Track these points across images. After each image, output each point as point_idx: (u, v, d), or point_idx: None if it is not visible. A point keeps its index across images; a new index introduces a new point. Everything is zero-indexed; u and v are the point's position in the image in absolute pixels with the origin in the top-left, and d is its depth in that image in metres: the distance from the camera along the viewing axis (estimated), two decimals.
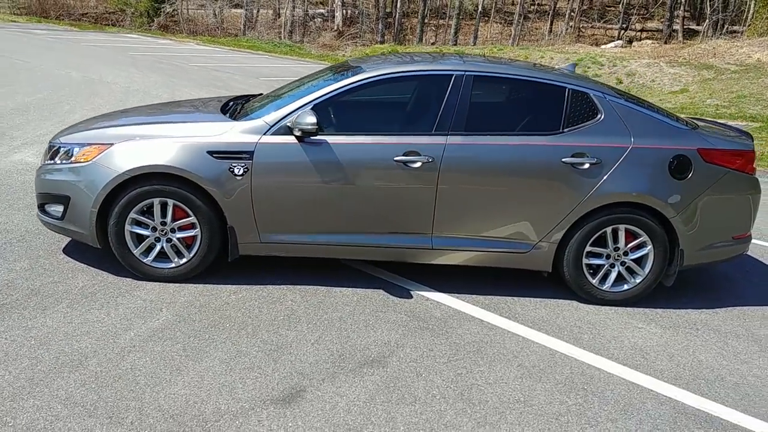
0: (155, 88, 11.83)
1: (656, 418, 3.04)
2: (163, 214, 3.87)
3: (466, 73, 4.01)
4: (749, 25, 26.63)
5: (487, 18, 36.21)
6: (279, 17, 32.45)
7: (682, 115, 4.90)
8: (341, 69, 4.45)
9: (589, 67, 20.48)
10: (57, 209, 3.95)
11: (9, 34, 20.82)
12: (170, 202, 3.83)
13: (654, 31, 33.83)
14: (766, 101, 15.10)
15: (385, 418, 2.84)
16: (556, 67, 5.07)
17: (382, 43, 29.65)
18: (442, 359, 3.38)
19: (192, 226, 3.89)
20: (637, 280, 4.16)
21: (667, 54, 23.21)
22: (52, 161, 4.01)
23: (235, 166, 3.78)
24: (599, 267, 4.15)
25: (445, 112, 3.94)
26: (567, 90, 4.03)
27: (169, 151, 3.77)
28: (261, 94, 4.89)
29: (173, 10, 29.35)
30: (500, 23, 36.43)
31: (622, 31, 33.48)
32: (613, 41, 30.04)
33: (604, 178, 3.93)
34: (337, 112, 4.07)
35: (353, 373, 3.18)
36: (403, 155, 3.85)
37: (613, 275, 4.16)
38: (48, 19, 28.63)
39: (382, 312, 3.84)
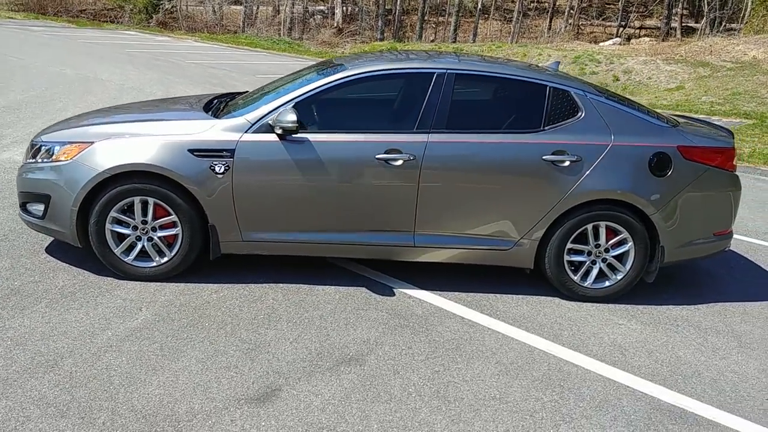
0: (150, 86, 11.83)
1: (631, 414, 3.05)
2: (144, 213, 3.87)
3: (448, 71, 4.02)
4: (746, 23, 26.58)
5: (486, 15, 36.18)
6: (278, 14, 32.42)
7: (664, 112, 4.90)
8: (324, 67, 4.45)
9: (586, 65, 20.48)
10: (38, 208, 3.96)
11: (5, 31, 20.82)
12: (151, 200, 3.83)
13: (653, 28, 33.76)
14: (761, 98, 15.08)
15: (360, 417, 2.85)
16: (540, 64, 5.06)
17: (381, 40, 29.63)
18: (420, 357, 3.39)
19: (173, 224, 3.90)
20: (619, 277, 4.17)
21: (664, 51, 23.18)
22: (34, 160, 4.02)
23: (216, 164, 3.79)
24: (581, 264, 4.16)
25: (427, 110, 3.94)
26: (548, 88, 4.04)
27: (150, 150, 3.77)
28: (246, 92, 4.89)
29: (172, 6, 29.36)
30: (500, 20, 36.37)
31: (621, 29, 33.42)
32: (612, 39, 29.98)
33: (585, 175, 3.94)
34: (319, 110, 4.07)
35: (330, 371, 3.18)
36: (385, 153, 3.86)
37: (595, 272, 4.16)
38: (46, 15, 28.63)
39: (364, 310, 3.85)
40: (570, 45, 26.60)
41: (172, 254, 3.95)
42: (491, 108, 4.35)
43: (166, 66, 15.30)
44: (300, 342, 3.43)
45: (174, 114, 4.40)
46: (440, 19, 36.30)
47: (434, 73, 4.00)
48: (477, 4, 34.01)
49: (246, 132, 3.84)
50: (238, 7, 30.55)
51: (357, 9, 33.77)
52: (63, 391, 2.85)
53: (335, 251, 4.11)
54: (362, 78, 3.99)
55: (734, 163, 4.27)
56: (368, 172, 3.87)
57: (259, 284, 4.07)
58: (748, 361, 3.64)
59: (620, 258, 4.15)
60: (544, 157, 3.92)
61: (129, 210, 3.87)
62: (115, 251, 3.91)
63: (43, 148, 3.99)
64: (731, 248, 5.43)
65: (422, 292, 4.14)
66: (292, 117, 3.69)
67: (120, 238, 3.93)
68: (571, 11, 34.63)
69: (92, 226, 3.84)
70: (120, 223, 3.89)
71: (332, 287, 4.11)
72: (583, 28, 34.78)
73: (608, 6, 37.91)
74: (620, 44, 27.93)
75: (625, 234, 4.08)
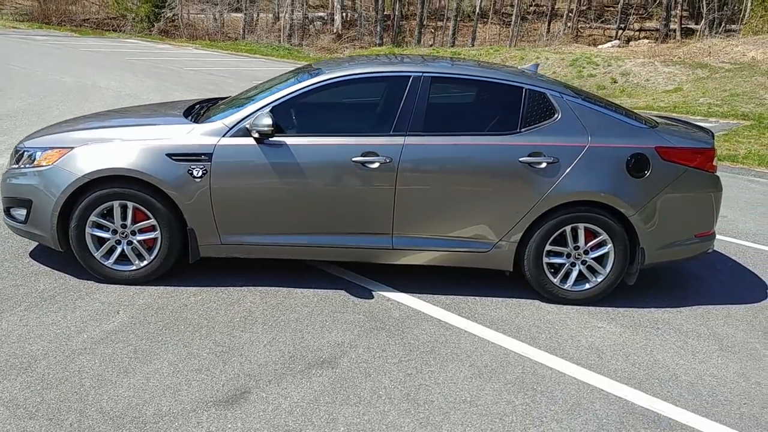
0: (147, 93, 11.90)
1: (603, 417, 3.04)
2: (124, 217, 3.90)
3: (424, 74, 4.03)
4: (745, 24, 26.55)
5: (485, 19, 36.27)
6: (278, 21, 32.56)
7: (650, 114, 4.90)
8: (302, 71, 4.47)
9: (584, 67, 20.48)
10: (21, 213, 3.99)
11: (8, 41, 20.99)
12: (130, 204, 3.86)
13: (652, 30, 33.76)
14: (759, 99, 15.05)
15: (327, 420, 2.85)
16: (519, 67, 5.07)
17: (380, 45, 29.72)
18: (394, 360, 3.39)
19: (152, 228, 3.92)
20: (599, 279, 4.16)
21: (663, 53, 23.17)
22: (17, 165, 4.05)
23: (193, 169, 3.81)
24: (560, 266, 4.16)
25: (403, 113, 3.96)
26: (524, 90, 4.05)
27: (128, 154, 3.80)
28: (227, 98, 4.92)
29: (173, 15, 29.53)
30: (498, 24, 36.45)
31: (620, 31, 33.42)
32: (611, 41, 29.99)
33: (562, 177, 3.94)
34: (296, 114, 4.09)
35: (301, 374, 3.19)
36: (361, 156, 3.87)
37: (574, 274, 4.16)
38: (50, 25, 28.85)
39: (341, 313, 3.86)
40: (568, 48, 26.62)
41: (152, 258, 3.97)
42: (468, 110, 4.37)
43: (164, 74, 15.39)
44: (274, 345, 3.44)
45: (153, 119, 4.43)
46: (439, 23, 36.40)
47: (410, 76, 4.02)
48: (475, 8, 34.08)
49: (224, 136, 3.87)
50: (239, 15, 30.70)
51: (356, 15, 33.88)
52: (34, 393, 2.87)
53: (314, 254, 4.12)
54: (338, 82, 4.01)
55: (714, 163, 4.26)
56: (345, 174, 3.89)
57: (238, 287, 4.09)
58: (727, 365, 3.62)
59: (600, 260, 4.15)
60: (520, 159, 3.93)
61: (109, 214, 3.90)
62: (96, 255, 3.94)
63: (25, 153, 4.03)
64: (719, 250, 5.43)
65: (401, 294, 4.14)
66: (267, 121, 3.72)
67: (100, 241, 3.95)
68: (570, 14, 34.66)
69: (72, 230, 3.87)
70: (100, 227, 3.92)
71: (311, 290, 4.12)
72: (582, 31, 34.81)
73: (607, 9, 37.94)
74: (619, 46, 27.93)
75: (604, 236, 4.07)
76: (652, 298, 4.42)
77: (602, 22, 36.05)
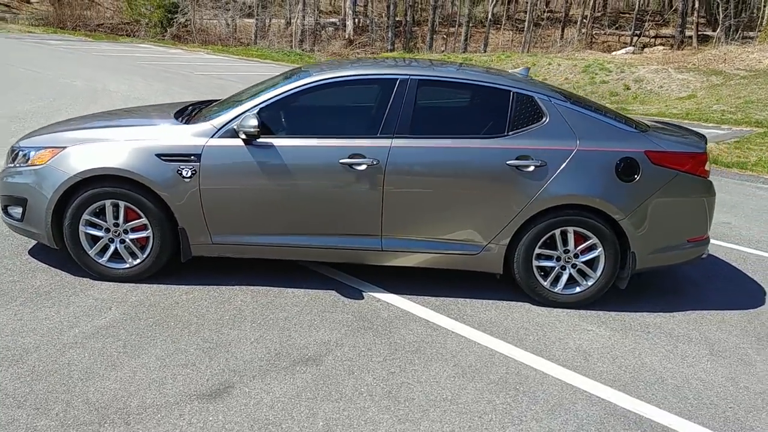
0: (155, 96, 12.04)
1: (583, 418, 3.05)
2: (116, 216, 3.97)
3: (411, 77, 4.07)
4: (762, 31, 26.35)
5: (498, 26, 36.27)
6: (290, 26, 32.80)
7: (642, 119, 4.90)
8: (292, 73, 4.53)
9: (596, 74, 20.41)
10: (17, 211, 4.08)
11: (24, 45, 21.32)
12: (122, 203, 3.93)
13: (668, 37, 33.57)
14: None
15: (307, 414, 2.89)
16: (510, 71, 5.10)
17: (391, 50, 29.83)
18: (378, 358, 3.42)
19: (144, 227, 3.99)
20: (589, 283, 4.16)
21: (677, 60, 23.08)
22: (13, 164, 4.14)
23: (183, 169, 3.87)
24: (550, 269, 4.16)
25: (390, 115, 4.00)
26: (511, 93, 4.07)
27: (119, 154, 3.87)
28: (220, 100, 4.98)
29: (186, 20, 29.83)
30: (511, 30, 36.44)
31: (635, 38, 33.28)
32: (626, 48, 29.87)
33: (550, 180, 3.95)
34: (284, 115, 4.15)
35: (285, 370, 3.23)
36: (348, 158, 3.91)
37: (565, 277, 4.16)
38: (65, 30, 29.26)
39: (330, 312, 3.89)
40: (581, 54, 26.58)
41: (144, 256, 4.03)
42: (455, 113, 4.40)
43: (174, 78, 15.57)
44: (261, 342, 3.49)
45: (145, 120, 4.50)
46: (451, 29, 36.46)
47: (397, 79, 4.06)
48: (487, 14, 34.11)
49: (212, 137, 3.93)
50: (251, 20, 30.97)
51: (368, 21, 34.04)
52: (23, 384, 2.94)
53: (304, 255, 4.16)
54: (326, 84, 4.06)
55: (706, 168, 4.25)
56: (332, 176, 3.93)
57: (230, 286, 4.14)
58: (716, 369, 3.60)
59: (590, 264, 4.15)
60: (507, 162, 3.95)
61: (101, 213, 3.98)
62: (90, 253, 4.01)
63: (20, 153, 4.12)
64: (720, 256, 5.41)
65: (391, 295, 4.17)
66: (253, 122, 3.78)
67: (94, 239, 4.03)
68: (584, 21, 34.57)
69: (66, 228, 3.95)
70: (93, 225, 3.99)
71: (302, 290, 4.16)
72: (596, 37, 34.70)
73: (622, 15, 37.81)
74: (633, 53, 27.83)
75: (594, 240, 4.08)
76: (645, 302, 4.41)
77: (617, 28, 35.91)
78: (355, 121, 4.44)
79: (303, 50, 28.23)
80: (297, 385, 3.11)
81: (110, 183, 3.88)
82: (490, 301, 4.22)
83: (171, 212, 3.94)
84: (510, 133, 4.00)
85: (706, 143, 4.37)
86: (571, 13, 36.50)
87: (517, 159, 3.94)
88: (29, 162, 4.01)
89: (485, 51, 30.74)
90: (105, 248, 4.05)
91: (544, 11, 37.63)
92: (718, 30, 30.33)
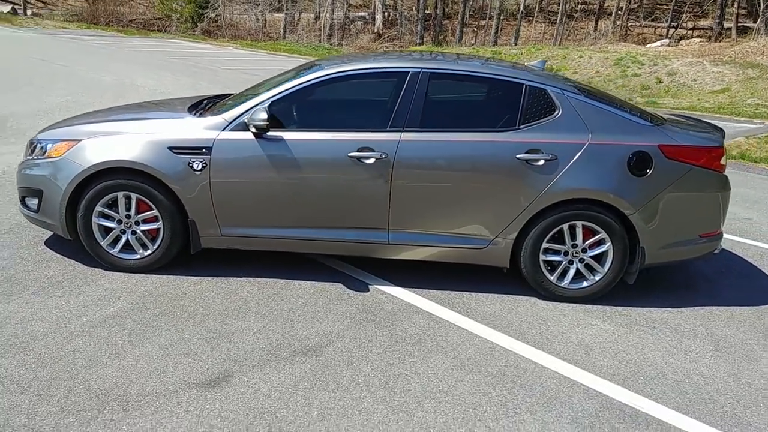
0: (181, 91, 12.22)
1: (578, 411, 3.03)
2: (128, 208, 4.06)
3: (422, 70, 4.06)
4: None
5: (530, 18, 35.80)
6: (319, 20, 32.92)
7: (648, 110, 4.80)
8: (305, 66, 4.56)
9: (628, 66, 20.02)
10: (34, 202, 4.21)
11: (57, 40, 21.85)
12: (133, 195, 4.02)
13: (706, 29, 32.70)
14: None
15: (302, 404, 2.93)
16: (526, 63, 5.04)
17: (420, 44, 29.71)
18: (378, 350, 3.44)
19: (155, 219, 4.08)
20: (597, 278, 4.12)
21: (714, 52, 22.47)
22: (31, 157, 4.27)
23: (194, 162, 3.94)
24: (558, 264, 4.13)
25: (400, 109, 4.00)
26: (524, 86, 4.03)
27: (132, 147, 3.96)
28: (233, 94, 5.05)
29: (216, 15, 30.19)
30: (543, 23, 35.94)
31: (672, 30, 32.49)
32: (661, 40, 29.20)
33: (560, 174, 3.91)
34: (295, 109, 4.19)
35: (285, 361, 3.28)
36: (357, 151, 3.93)
37: (572, 272, 4.12)
38: (98, 25, 29.88)
39: (334, 304, 3.93)
40: (614, 47, 26.08)
41: (155, 247, 4.12)
42: (466, 107, 4.38)
43: (202, 73, 15.78)
44: (263, 333, 3.54)
45: (159, 114, 4.59)
46: (481, 22, 36.13)
47: (408, 72, 4.06)
48: (519, 6, 33.70)
49: (223, 130, 3.99)
50: (280, 15, 31.18)
51: (398, 14, 33.95)
52: (28, 371, 3.04)
53: (312, 247, 4.20)
54: (336, 78, 4.08)
55: (722, 162, 4.15)
56: (341, 169, 3.95)
57: (238, 278, 4.20)
58: (719, 365, 3.55)
59: (598, 258, 4.11)
60: (517, 156, 3.92)
61: (114, 204, 4.07)
62: (102, 243, 4.12)
63: (38, 145, 4.24)
64: (737, 252, 5.29)
65: (396, 288, 4.19)
66: (263, 115, 3.82)
67: (106, 231, 4.13)
68: (619, 12, 33.87)
69: (80, 219, 4.05)
70: (106, 216, 4.09)
71: (308, 282, 4.21)
72: (631, 29, 33.98)
73: (659, 6, 36.92)
74: (669, 45, 27.19)
75: (602, 234, 4.03)
76: (654, 297, 4.35)
77: (653, 20, 35.09)
78: (365, 114, 4.45)
79: (331, 44, 28.32)
80: (295, 375, 3.15)
81: (123, 175, 3.97)
82: (496, 295, 4.21)
83: (182, 204, 4.01)
84: (521, 126, 3.97)
85: (723, 137, 4.27)
86: (606, 4, 35.79)
87: (527, 153, 3.91)
88: (46, 154, 4.13)
89: (516, 44, 30.39)
90: (117, 239, 4.15)
91: (578, 3, 36.97)
92: (758, 21, 29.40)
